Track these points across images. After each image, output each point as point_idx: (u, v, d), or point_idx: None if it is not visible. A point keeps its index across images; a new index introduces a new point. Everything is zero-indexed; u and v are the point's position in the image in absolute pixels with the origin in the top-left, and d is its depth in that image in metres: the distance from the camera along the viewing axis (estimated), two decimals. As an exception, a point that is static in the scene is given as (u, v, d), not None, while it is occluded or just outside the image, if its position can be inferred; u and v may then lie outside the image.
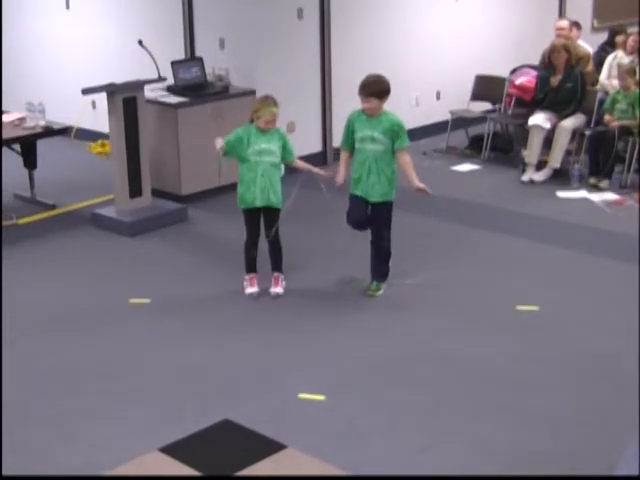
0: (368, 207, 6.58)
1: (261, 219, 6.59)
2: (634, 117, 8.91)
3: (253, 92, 8.72)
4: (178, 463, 4.65)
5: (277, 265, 6.69)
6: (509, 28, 11.21)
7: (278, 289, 6.68)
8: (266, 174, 6.43)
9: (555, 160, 9.23)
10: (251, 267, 6.69)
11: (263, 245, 6.68)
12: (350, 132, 6.55)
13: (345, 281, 6.83)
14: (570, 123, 9.27)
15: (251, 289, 6.67)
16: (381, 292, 6.68)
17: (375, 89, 6.39)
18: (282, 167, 6.65)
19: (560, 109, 9.29)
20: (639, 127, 8.86)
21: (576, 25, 10.46)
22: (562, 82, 9.31)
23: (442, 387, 5.44)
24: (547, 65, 9.50)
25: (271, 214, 6.55)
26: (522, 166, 9.37)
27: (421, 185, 6.48)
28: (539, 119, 9.29)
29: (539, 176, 9.22)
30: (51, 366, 5.72)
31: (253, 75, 8.96)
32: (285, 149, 6.53)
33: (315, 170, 6.72)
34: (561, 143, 9.20)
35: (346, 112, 6.71)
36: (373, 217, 6.59)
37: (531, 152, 9.25)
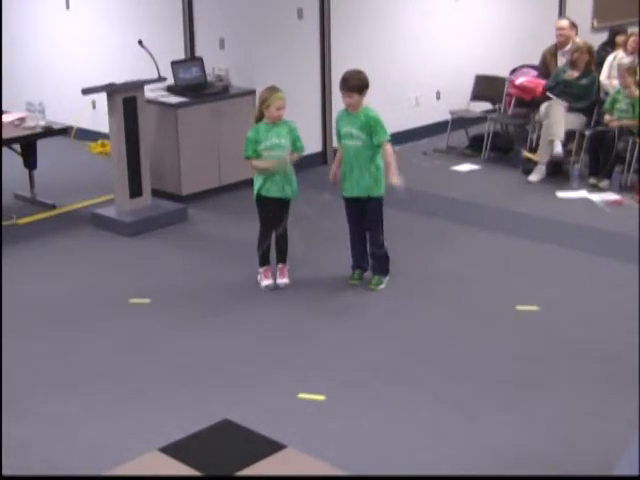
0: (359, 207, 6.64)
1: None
2: (634, 117, 8.91)
3: (253, 92, 8.71)
4: (178, 463, 4.65)
5: (283, 257, 6.77)
6: (509, 28, 11.19)
7: (285, 280, 6.76)
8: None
9: (556, 136, 9.04)
10: (265, 259, 6.75)
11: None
12: (338, 131, 6.69)
13: (345, 281, 6.82)
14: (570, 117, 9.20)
15: (267, 281, 6.72)
16: (383, 286, 6.70)
17: (356, 83, 6.47)
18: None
19: (570, 100, 9.23)
20: (639, 127, 8.85)
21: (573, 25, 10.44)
22: (578, 78, 9.28)
23: (442, 387, 5.44)
24: (570, 62, 9.37)
25: (284, 205, 6.64)
26: (522, 166, 9.36)
27: (395, 181, 6.46)
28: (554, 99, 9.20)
29: (534, 176, 9.14)
30: (51, 365, 5.72)
31: (253, 75, 8.95)
32: (295, 144, 6.59)
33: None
34: (556, 116, 9.05)
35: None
36: (363, 212, 6.65)
37: (555, 129, 9.02)
